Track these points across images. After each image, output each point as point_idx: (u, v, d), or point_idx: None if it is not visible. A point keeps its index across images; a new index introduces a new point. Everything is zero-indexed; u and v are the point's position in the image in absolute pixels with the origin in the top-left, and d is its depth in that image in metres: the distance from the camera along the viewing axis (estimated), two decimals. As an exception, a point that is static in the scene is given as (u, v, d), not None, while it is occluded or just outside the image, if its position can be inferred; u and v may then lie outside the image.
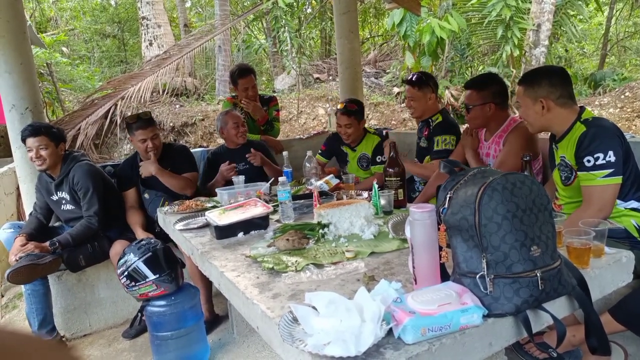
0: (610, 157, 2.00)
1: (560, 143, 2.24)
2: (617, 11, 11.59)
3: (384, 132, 4.02)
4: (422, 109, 3.33)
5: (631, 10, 11.54)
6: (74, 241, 2.97)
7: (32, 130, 2.94)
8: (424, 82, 3.29)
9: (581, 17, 10.48)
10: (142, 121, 3.17)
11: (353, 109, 3.56)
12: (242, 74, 4.08)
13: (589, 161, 2.03)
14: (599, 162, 2.01)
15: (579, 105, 2.22)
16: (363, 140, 3.70)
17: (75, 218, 3.13)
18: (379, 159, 3.59)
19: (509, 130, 2.79)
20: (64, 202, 3.14)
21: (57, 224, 3.37)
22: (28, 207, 3.31)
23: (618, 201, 2.10)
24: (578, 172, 2.11)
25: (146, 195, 3.36)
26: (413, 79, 3.32)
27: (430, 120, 3.33)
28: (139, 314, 3.14)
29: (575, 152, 2.10)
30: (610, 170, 2.01)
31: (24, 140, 2.98)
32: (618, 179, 2.03)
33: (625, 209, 2.13)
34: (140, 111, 3.64)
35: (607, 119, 2.20)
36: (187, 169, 3.34)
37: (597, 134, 2.04)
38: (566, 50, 10.95)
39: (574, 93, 2.25)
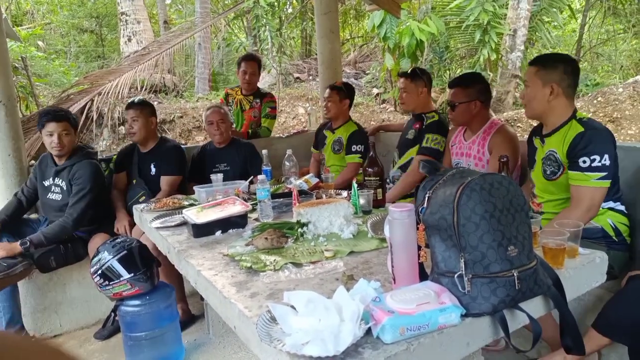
0: (605, 160, 2.03)
1: (549, 137, 2.25)
2: (590, 19, 11.83)
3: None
4: (413, 102, 3.37)
5: (604, 18, 11.78)
6: (47, 241, 2.89)
7: (55, 116, 2.97)
8: (417, 75, 3.35)
9: (555, 23, 10.69)
10: (131, 103, 3.33)
11: (338, 86, 3.84)
12: (246, 58, 4.41)
13: (584, 162, 2.06)
14: (595, 164, 2.04)
15: None
16: (343, 125, 3.85)
17: (56, 209, 3.06)
18: (354, 148, 3.69)
19: (492, 133, 2.80)
20: (54, 189, 3.08)
21: (32, 215, 3.29)
22: (1, 204, 3.23)
23: None
24: (569, 171, 2.13)
25: (134, 181, 3.41)
26: (408, 71, 3.41)
27: (424, 116, 3.35)
28: (112, 314, 3.09)
29: (569, 150, 2.11)
30: (604, 174, 2.04)
31: (44, 125, 2.95)
32: (608, 183, 2.07)
33: (603, 208, 2.16)
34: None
35: (600, 122, 2.22)
36: (172, 171, 3.37)
37: (595, 136, 2.07)
38: (542, 56, 11.13)
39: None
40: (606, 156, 2.04)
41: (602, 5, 11.30)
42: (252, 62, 4.35)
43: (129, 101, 3.44)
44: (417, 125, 3.36)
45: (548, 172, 2.26)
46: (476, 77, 2.97)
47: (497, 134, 2.78)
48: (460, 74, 3.81)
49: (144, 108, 3.36)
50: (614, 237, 2.17)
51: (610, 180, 2.06)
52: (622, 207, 2.22)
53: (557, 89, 2.17)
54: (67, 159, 3.07)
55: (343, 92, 3.80)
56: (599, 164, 2.04)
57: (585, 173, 2.06)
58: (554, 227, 1.54)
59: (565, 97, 2.19)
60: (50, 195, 3.10)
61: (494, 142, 2.77)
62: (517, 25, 8.76)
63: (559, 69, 2.17)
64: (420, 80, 3.34)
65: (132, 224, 3.11)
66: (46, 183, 3.11)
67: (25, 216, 3.23)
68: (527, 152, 2.50)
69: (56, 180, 3.08)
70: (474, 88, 2.83)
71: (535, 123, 2.49)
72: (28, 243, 2.81)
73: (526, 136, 2.54)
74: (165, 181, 3.33)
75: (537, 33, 9.75)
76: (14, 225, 3.08)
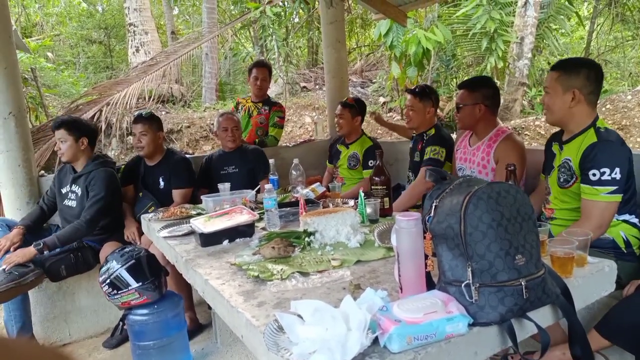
0: (616, 174, 1.99)
1: (568, 144, 2.20)
2: (598, 25, 11.79)
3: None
4: (419, 120, 3.34)
5: (612, 24, 11.74)
6: (61, 242, 2.93)
7: (55, 123, 3.15)
8: (426, 95, 3.32)
9: (563, 31, 10.66)
10: (139, 117, 3.40)
11: (349, 103, 3.83)
12: (258, 64, 4.48)
13: (594, 175, 2.01)
14: (605, 177, 1.99)
15: None
16: (358, 140, 3.85)
17: (72, 216, 3.09)
18: (371, 163, 3.68)
19: (498, 140, 2.76)
20: (70, 196, 3.14)
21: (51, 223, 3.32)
22: (9, 214, 3.25)
23: None
24: (581, 184, 2.08)
25: (140, 194, 3.42)
26: (416, 89, 3.37)
27: (424, 134, 3.35)
28: (121, 323, 3.10)
29: (581, 161, 2.07)
30: (614, 188, 1.99)
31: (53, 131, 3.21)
32: (619, 197, 2.02)
33: (617, 220, 2.13)
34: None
35: (617, 133, 2.15)
36: (183, 184, 3.40)
37: (606, 148, 2.02)
38: (548, 63, 11.09)
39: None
40: (617, 169, 1.99)
41: (610, 12, 11.27)
42: (263, 69, 4.40)
43: (137, 114, 3.48)
44: (420, 146, 3.36)
45: (562, 180, 2.21)
46: (485, 81, 2.96)
47: (504, 142, 2.75)
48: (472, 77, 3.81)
49: (152, 122, 3.39)
50: (623, 249, 2.14)
51: (621, 195, 2.02)
52: (636, 220, 2.18)
53: (578, 96, 2.11)
54: (84, 167, 3.13)
55: (355, 109, 3.79)
56: (609, 178, 1.99)
57: (595, 187, 2.02)
58: (563, 237, 1.53)
59: (587, 104, 2.13)
60: (67, 202, 3.15)
61: (500, 150, 2.74)
62: (525, 32, 8.75)
63: (582, 74, 2.11)
64: (429, 100, 3.32)
65: (141, 230, 3.13)
66: (64, 190, 3.17)
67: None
68: (545, 157, 2.45)
69: (73, 187, 3.13)
70: (480, 92, 2.80)
71: (554, 129, 2.45)
72: (42, 245, 2.84)
73: (534, 144, 2.52)
74: (177, 194, 3.36)
75: (544, 40, 9.72)
76: (38, 231, 3.12)
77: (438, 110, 3.55)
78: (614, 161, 2.00)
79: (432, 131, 3.32)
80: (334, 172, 4.03)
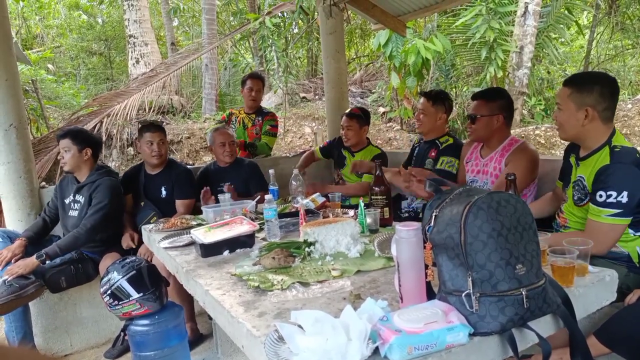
0: (622, 197, 1.94)
1: (584, 162, 2.16)
2: (598, 34, 11.85)
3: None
4: (430, 125, 3.31)
5: (612, 33, 11.80)
6: (62, 251, 2.94)
7: (60, 133, 3.17)
8: (439, 99, 3.29)
9: (563, 40, 10.71)
10: (152, 125, 3.40)
11: (356, 113, 3.78)
12: (252, 76, 4.53)
13: (600, 196, 1.98)
14: (610, 200, 1.96)
15: None
16: (364, 149, 3.84)
17: (74, 227, 3.08)
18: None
19: (510, 150, 2.74)
20: (73, 205, 3.14)
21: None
22: (10, 225, 3.26)
23: (630, 230, 2.06)
24: (590, 203, 2.06)
25: (142, 204, 3.42)
26: (431, 93, 3.34)
27: (437, 142, 3.30)
28: (122, 334, 3.08)
29: (593, 181, 2.04)
30: (619, 211, 1.95)
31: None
32: (626, 221, 1.99)
33: (633, 235, 2.09)
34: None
35: (635, 151, 2.05)
36: (187, 195, 3.42)
37: (617, 171, 1.97)
38: (548, 72, 11.16)
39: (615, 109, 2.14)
40: (625, 193, 1.93)
41: (609, 21, 11.32)
42: (258, 80, 4.46)
43: (151, 122, 3.51)
44: (433, 154, 3.30)
45: (576, 198, 2.19)
46: (501, 92, 2.93)
47: (516, 151, 2.71)
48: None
49: (163, 131, 3.45)
50: (636, 263, 2.11)
51: (629, 218, 1.98)
52: None
53: (592, 113, 2.05)
54: (86, 177, 3.13)
55: (362, 119, 3.77)
56: (614, 201, 1.95)
57: (600, 208, 1.99)
58: (563, 245, 1.52)
59: (602, 121, 2.07)
60: (70, 212, 3.15)
61: (510, 158, 2.71)
62: (524, 42, 8.79)
63: (595, 91, 2.04)
64: (442, 105, 3.27)
65: (139, 238, 3.14)
66: (67, 200, 3.18)
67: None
68: (562, 166, 2.42)
69: (76, 196, 3.14)
70: (497, 102, 2.77)
71: (553, 139, 2.44)
72: (44, 256, 2.86)
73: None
74: (181, 205, 3.38)
75: (544, 50, 9.75)
76: (40, 243, 3.11)
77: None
78: (623, 185, 1.95)
79: (450, 140, 3.27)
80: (338, 179, 4.03)
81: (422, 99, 3.36)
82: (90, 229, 2.98)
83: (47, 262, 2.90)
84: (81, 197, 3.13)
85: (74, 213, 3.14)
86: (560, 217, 2.34)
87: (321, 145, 4.31)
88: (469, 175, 3.00)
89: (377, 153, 3.77)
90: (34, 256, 2.86)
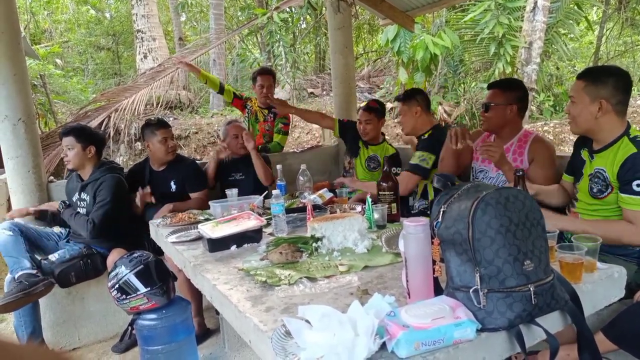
0: None
1: (600, 154, 2.14)
2: (607, 30, 11.73)
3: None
4: (410, 124, 3.28)
5: (621, 29, 11.68)
6: (69, 221, 3.11)
7: (63, 130, 3.21)
8: (408, 96, 3.28)
9: (572, 35, 10.63)
10: (164, 122, 3.44)
11: (374, 107, 3.74)
12: (262, 72, 4.45)
13: (638, 185, 1.97)
14: None
15: None
16: (379, 145, 3.82)
17: None
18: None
19: (529, 141, 2.69)
20: (80, 204, 3.17)
21: (55, 228, 3.31)
22: (19, 218, 3.27)
23: None
24: (621, 194, 2.04)
25: (153, 200, 3.42)
26: (399, 95, 3.37)
27: (421, 137, 3.27)
28: (129, 328, 3.10)
29: (620, 172, 2.02)
30: None
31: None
32: None
33: None
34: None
35: None
36: (198, 187, 3.47)
37: None
38: (557, 68, 11.08)
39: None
40: None
41: (619, 17, 11.21)
42: (268, 76, 4.40)
43: (160, 119, 3.54)
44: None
45: (595, 190, 2.16)
46: (517, 83, 2.90)
47: (537, 142, 2.67)
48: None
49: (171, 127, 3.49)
50: None
51: None
52: None
53: (606, 106, 2.05)
54: (90, 175, 3.15)
55: (380, 112, 3.73)
56: None
57: (638, 197, 1.97)
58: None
59: (616, 114, 2.07)
60: (78, 210, 3.16)
61: (534, 149, 2.65)
62: (533, 37, 8.72)
63: (609, 84, 2.05)
64: (413, 100, 3.23)
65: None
66: (74, 198, 3.20)
67: (49, 229, 3.28)
68: (571, 160, 2.40)
69: (82, 194, 3.16)
70: (513, 92, 2.73)
71: (562, 134, 2.42)
72: (63, 205, 3.16)
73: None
74: (197, 197, 3.44)
75: (553, 45, 9.67)
76: (36, 239, 3.15)
77: (445, 115, 3.52)
78: None
79: (428, 134, 3.22)
80: (350, 168, 3.99)
81: (398, 105, 3.36)
82: (95, 224, 3.00)
83: (62, 211, 3.13)
84: (86, 195, 3.14)
85: (82, 211, 3.16)
86: (572, 213, 2.32)
87: (341, 119, 4.12)
88: (477, 164, 2.94)
89: (391, 153, 3.71)
90: (58, 203, 3.18)
